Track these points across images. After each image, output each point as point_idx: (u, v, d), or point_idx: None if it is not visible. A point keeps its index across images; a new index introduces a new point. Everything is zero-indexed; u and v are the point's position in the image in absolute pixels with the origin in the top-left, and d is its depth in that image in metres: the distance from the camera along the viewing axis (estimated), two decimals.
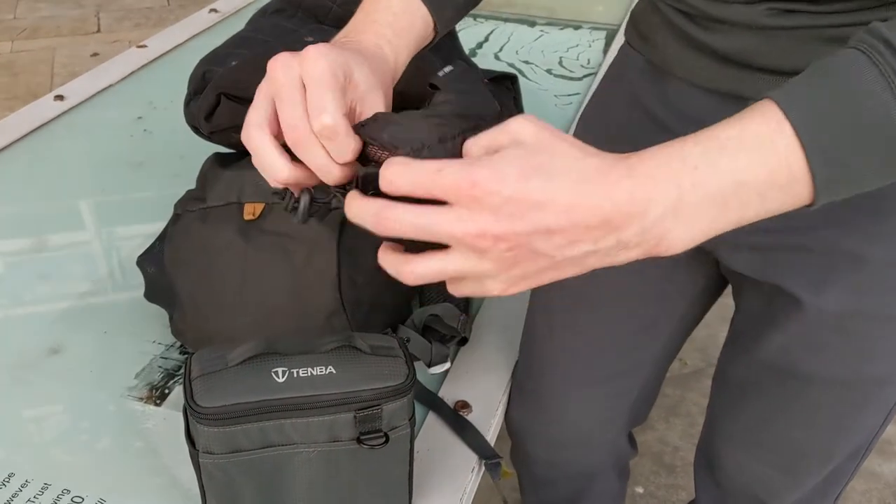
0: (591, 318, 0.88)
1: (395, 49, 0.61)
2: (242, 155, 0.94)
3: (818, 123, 0.42)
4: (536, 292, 0.92)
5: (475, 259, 0.44)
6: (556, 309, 0.89)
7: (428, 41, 0.67)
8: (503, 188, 0.41)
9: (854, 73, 0.42)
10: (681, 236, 0.44)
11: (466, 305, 1.02)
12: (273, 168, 0.52)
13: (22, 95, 3.13)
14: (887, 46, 0.42)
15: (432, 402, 0.89)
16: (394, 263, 0.47)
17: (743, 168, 0.43)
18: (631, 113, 0.76)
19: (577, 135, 0.87)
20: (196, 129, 1.00)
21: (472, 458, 0.84)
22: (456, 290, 0.47)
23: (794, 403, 0.77)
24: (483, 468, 0.85)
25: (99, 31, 3.71)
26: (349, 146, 0.50)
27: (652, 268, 0.81)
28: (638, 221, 0.43)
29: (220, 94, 0.92)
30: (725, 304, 0.87)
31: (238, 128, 0.96)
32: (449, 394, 0.92)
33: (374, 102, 0.54)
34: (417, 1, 0.64)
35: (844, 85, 0.42)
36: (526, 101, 1.31)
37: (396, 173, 0.44)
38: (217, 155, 0.97)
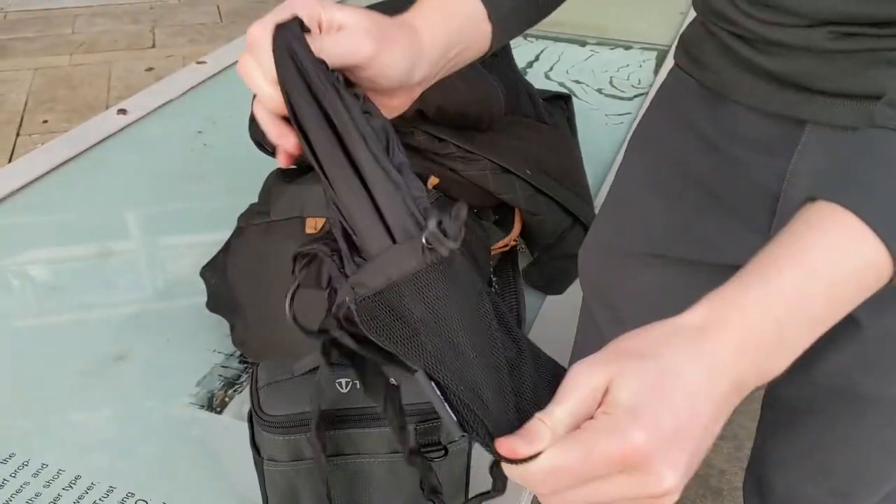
0: None
1: (429, 24, 0.58)
2: (305, 170, 0.96)
3: (890, 218, 0.43)
4: (585, 314, 0.93)
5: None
6: (605, 331, 0.89)
7: (481, 37, 0.63)
8: (663, 430, 0.40)
9: None
10: (787, 363, 0.46)
11: (519, 322, 1.03)
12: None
13: (79, 108, 3.22)
14: None
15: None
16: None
17: (836, 287, 0.44)
18: (682, 135, 0.77)
19: (626, 158, 0.88)
20: (260, 145, 1.03)
21: None
22: None
23: (850, 425, 0.76)
24: None
25: (154, 46, 3.81)
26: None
27: (705, 290, 0.82)
28: (753, 374, 0.44)
29: None
30: None
31: None
32: None
33: (350, 35, 0.52)
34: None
35: None
36: (578, 120, 1.32)
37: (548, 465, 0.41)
38: (280, 170, 1.00)
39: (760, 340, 0.43)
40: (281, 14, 0.50)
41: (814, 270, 0.43)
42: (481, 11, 0.61)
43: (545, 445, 0.41)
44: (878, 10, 0.56)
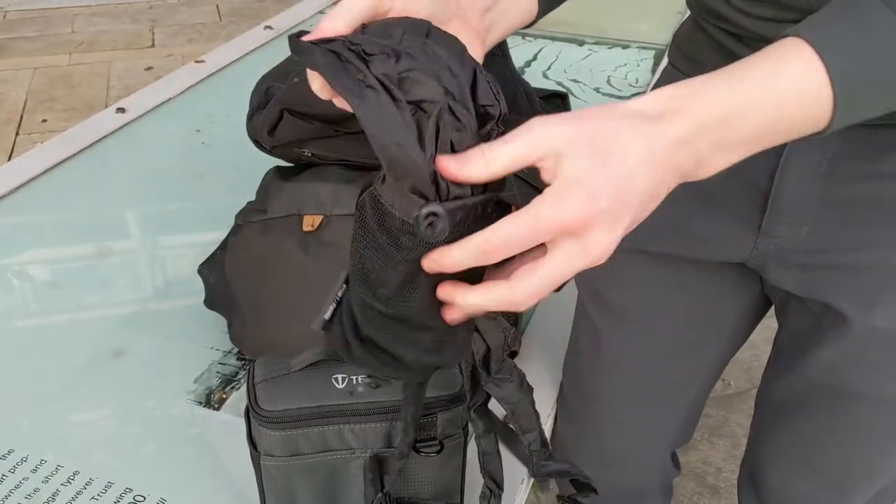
0: (636, 337, 0.89)
1: None
2: (303, 168, 0.97)
3: (846, 65, 0.45)
4: (581, 312, 0.94)
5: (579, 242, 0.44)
6: (601, 327, 0.90)
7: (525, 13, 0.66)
8: (599, 203, 0.42)
9: (880, 23, 0.45)
10: (723, 164, 0.47)
11: (516, 320, 1.03)
12: None
13: (79, 107, 3.23)
14: None
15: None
16: (498, 296, 0.46)
17: (782, 109, 0.46)
18: None
19: None
20: (258, 143, 1.03)
21: (522, 470, 0.85)
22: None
23: (841, 421, 0.77)
24: (532, 480, 0.86)
25: (153, 45, 3.82)
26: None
27: (697, 288, 0.82)
28: (696, 157, 0.45)
29: (283, 110, 0.95)
30: (769, 325, 0.87)
31: (300, 143, 0.99)
32: (499, 406, 0.93)
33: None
34: None
35: (869, 28, 0.45)
36: None
37: (502, 233, 0.43)
38: (278, 168, 1.00)
39: (706, 135, 0.45)
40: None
41: (767, 86, 0.45)
42: None
43: (474, 171, 0.43)
44: None
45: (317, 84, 0.52)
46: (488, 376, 0.60)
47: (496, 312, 0.55)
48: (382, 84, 0.45)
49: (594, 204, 0.42)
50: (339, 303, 0.50)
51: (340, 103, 0.51)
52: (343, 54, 0.47)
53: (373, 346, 0.52)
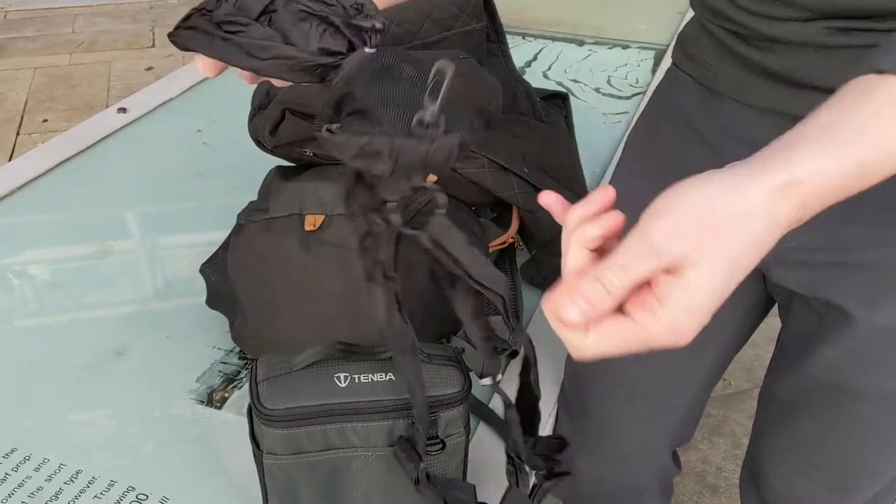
0: None
1: None
2: (304, 168, 0.97)
3: None
4: None
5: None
6: None
7: None
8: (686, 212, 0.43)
9: None
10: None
11: (517, 319, 1.03)
12: None
13: (79, 107, 3.23)
14: None
15: (484, 413, 0.91)
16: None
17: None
18: (680, 134, 0.77)
19: (624, 157, 0.88)
20: (259, 143, 1.04)
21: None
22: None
23: (843, 420, 0.77)
24: (533, 480, 0.86)
25: (154, 45, 3.82)
26: None
27: None
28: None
29: (284, 110, 0.96)
30: (772, 324, 0.87)
31: (301, 142, 1.00)
32: (500, 405, 0.93)
33: None
34: None
35: None
36: (576, 119, 1.33)
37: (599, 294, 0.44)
38: (279, 168, 1.00)
39: (821, 204, 0.43)
40: None
41: (865, 132, 0.43)
42: None
43: (602, 309, 0.44)
44: (876, 1, 0.57)
45: (199, 65, 0.60)
46: (517, 322, 0.62)
47: None
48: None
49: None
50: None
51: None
52: (202, 27, 0.57)
53: None
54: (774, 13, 0.62)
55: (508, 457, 0.70)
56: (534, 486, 0.73)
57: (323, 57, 0.56)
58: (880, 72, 0.43)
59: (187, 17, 0.58)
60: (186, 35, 0.58)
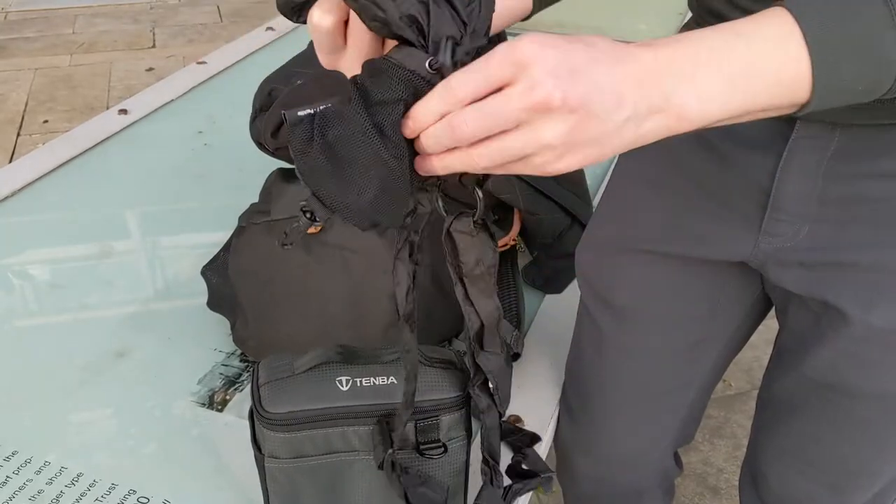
0: (638, 337, 0.89)
1: None
2: None
3: (825, 36, 0.45)
4: (583, 312, 0.94)
5: (538, 128, 0.45)
6: (603, 328, 0.90)
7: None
8: (552, 52, 0.44)
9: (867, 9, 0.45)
10: (696, 107, 0.47)
11: (518, 322, 1.03)
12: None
13: (79, 108, 3.23)
14: None
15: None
16: (459, 156, 0.48)
17: (754, 58, 0.46)
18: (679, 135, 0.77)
19: (622, 156, 0.88)
20: (261, 145, 1.03)
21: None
22: (513, 169, 0.49)
23: (841, 419, 0.77)
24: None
25: (154, 46, 3.82)
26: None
27: (698, 287, 0.83)
28: (664, 82, 0.46)
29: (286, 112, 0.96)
30: (771, 326, 0.88)
31: None
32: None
33: None
34: None
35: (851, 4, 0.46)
36: None
37: (457, 82, 0.46)
38: (281, 170, 1.00)
39: (674, 64, 0.46)
40: None
41: (740, 36, 0.47)
42: None
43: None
44: None
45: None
46: (481, 350, 0.63)
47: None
48: None
49: (547, 49, 0.44)
50: (317, 113, 0.50)
51: None
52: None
53: (328, 163, 0.51)
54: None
55: (483, 457, 0.71)
56: (507, 487, 0.74)
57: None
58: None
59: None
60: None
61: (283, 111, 0.51)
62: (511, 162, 0.47)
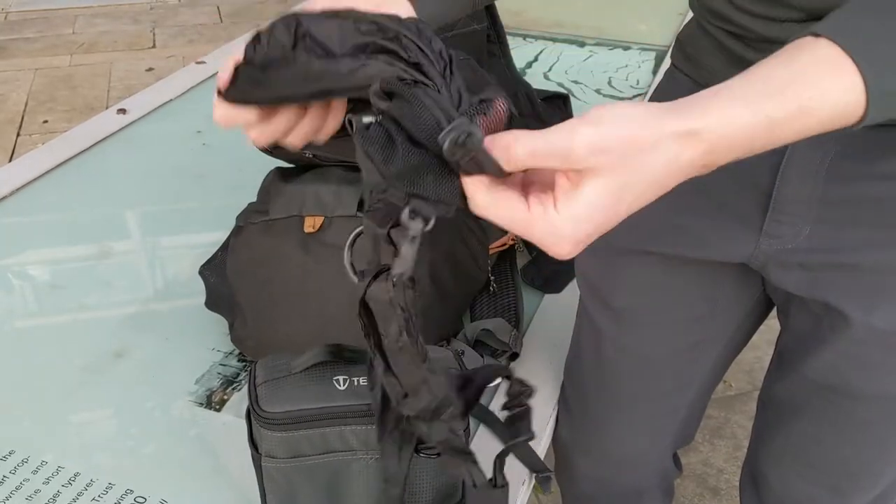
0: (637, 338, 0.89)
1: None
2: (304, 169, 0.97)
3: (882, 74, 0.44)
4: (583, 313, 0.93)
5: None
6: (602, 328, 0.90)
7: None
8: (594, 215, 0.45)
9: None
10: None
11: (517, 321, 1.03)
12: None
13: (80, 108, 3.23)
14: None
15: (484, 416, 0.90)
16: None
17: (809, 110, 0.44)
18: None
19: None
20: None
21: (523, 471, 0.85)
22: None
23: (842, 421, 0.77)
24: (533, 482, 0.86)
25: (154, 46, 3.82)
26: None
27: (698, 288, 0.82)
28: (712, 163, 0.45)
29: None
30: (772, 326, 0.87)
31: None
32: (498, 407, 0.93)
33: None
34: None
35: None
36: None
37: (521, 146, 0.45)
38: (279, 169, 1.00)
39: (727, 154, 0.45)
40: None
41: (782, 89, 0.45)
42: None
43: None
44: None
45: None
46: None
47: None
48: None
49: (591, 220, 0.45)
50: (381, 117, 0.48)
51: None
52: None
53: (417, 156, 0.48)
54: (772, 14, 0.62)
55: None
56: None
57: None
58: (816, 35, 0.45)
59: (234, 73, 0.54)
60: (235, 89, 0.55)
61: (349, 119, 0.49)
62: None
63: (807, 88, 0.44)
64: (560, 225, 0.45)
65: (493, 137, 0.45)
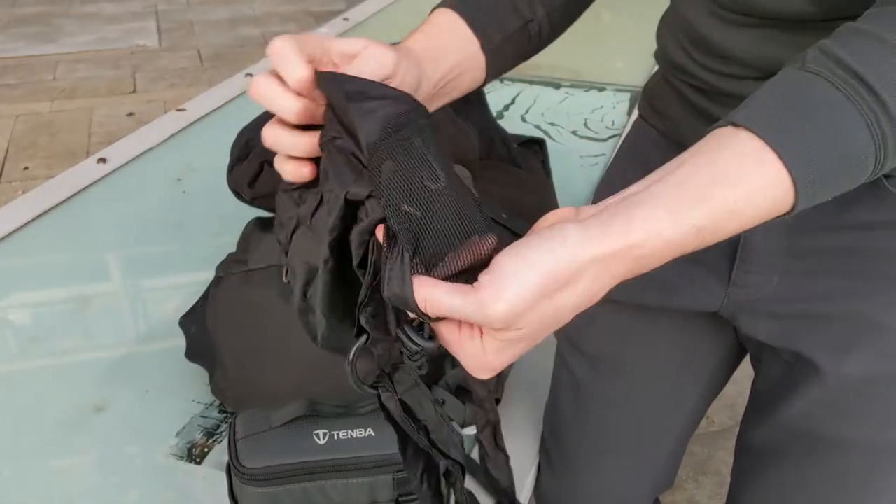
0: (614, 386, 0.89)
1: (423, 47, 0.62)
2: None
3: (807, 164, 0.44)
4: (560, 362, 0.94)
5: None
6: (580, 377, 0.91)
7: (476, 64, 0.66)
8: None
9: (836, 114, 0.44)
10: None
11: None
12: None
13: (60, 154, 3.23)
14: (854, 77, 0.44)
15: (467, 463, 0.90)
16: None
17: (739, 204, 0.44)
18: None
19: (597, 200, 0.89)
20: (238, 195, 1.04)
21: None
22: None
23: (818, 468, 0.77)
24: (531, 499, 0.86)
25: (135, 90, 3.83)
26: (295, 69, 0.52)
27: (673, 336, 0.83)
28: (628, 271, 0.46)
29: (263, 163, 0.97)
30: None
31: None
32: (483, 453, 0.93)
33: (370, 53, 0.55)
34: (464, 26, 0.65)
35: (828, 125, 0.44)
36: (553, 162, 1.34)
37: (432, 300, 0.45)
38: (259, 219, 1.01)
39: (656, 256, 0.45)
40: (291, 44, 0.52)
41: (706, 195, 0.44)
42: (473, 40, 0.65)
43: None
44: None
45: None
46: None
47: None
48: None
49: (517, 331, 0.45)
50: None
51: None
52: None
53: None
54: (728, 71, 0.64)
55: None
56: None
57: None
58: (735, 125, 0.45)
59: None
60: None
61: (347, 194, 0.50)
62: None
63: (733, 190, 0.44)
64: (486, 357, 0.46)
65: (416, 285, 0.45)
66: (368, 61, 0.54)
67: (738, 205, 0.44)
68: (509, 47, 0.68)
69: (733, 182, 0.44)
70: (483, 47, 0.65)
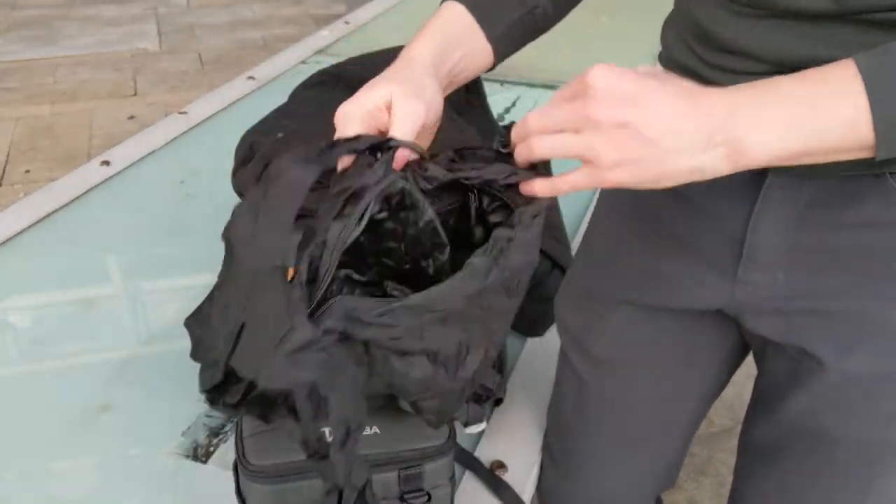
0: (618, 386, 0.90)
1: (428, 49, 0.69)
2: None
3: (882, 79, 0.48)
4: (564, 361, 0.95)
5: (589, 136, 0.54)
6: (584, 376, 0.91)
7: (481, 49, 0.73)
8: (617, 80, 0.56)
9: None
10: (756, 143, 0.51)
11: (501, 366, 1.04)
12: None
13: (61, 157, 3.23)
14: None
15: (469, 462, 0.91)
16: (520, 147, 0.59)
17: (816, 99, 0.50)
18: None
19: (598, 206, 0.90)
20: (242, 196, 1.05)
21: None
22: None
23: (821, 465, 0.78)
24: None
25: (136, 94, 3.84)
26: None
27: (677, 336, 0.84)
28: (726, 119, 0.51)
29: (267, 165, 0.97)
30: (751, 360, 0.89)
31: None
32: (485, 454, 0.94)
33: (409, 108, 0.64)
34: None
35: None
36: (553, 164, 1.35)
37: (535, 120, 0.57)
38: None
39: (741, 109, 0.51)
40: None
41: (806, 82, 0.51)
42: (479, 32, 0.72)
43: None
44: (842, 53, 0.59)
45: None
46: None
47: None
48: None
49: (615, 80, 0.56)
50: None
51: None
52: None
53: None
54: (739, 67, 0.64)
55: None
56: None
57: None
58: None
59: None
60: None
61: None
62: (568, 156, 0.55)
63: (813, 73, 0.51)
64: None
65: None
66: (407, 116, 0.63)
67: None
68: (516, 33, 0.74)
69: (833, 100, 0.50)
70: (489, 37, 0.69)
